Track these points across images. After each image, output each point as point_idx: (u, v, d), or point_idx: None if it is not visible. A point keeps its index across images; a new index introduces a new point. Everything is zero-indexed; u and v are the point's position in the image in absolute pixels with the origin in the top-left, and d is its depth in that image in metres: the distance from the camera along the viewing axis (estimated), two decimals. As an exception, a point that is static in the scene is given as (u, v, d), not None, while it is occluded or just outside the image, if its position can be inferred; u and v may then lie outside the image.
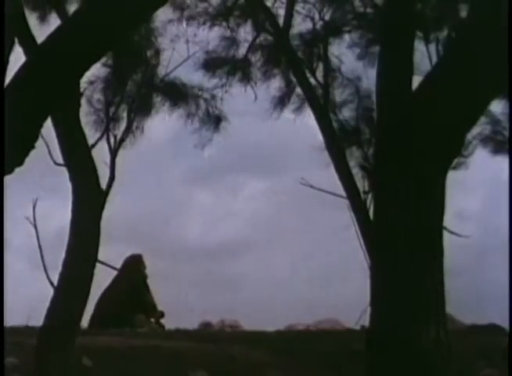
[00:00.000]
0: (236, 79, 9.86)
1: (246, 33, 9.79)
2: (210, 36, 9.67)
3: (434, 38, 8.69)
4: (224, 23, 9.70)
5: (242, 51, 9.87)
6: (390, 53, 5.31)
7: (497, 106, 8.77)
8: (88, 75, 8.14)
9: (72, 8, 7.98)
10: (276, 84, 9.98)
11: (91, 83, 8.82)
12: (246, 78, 9.87)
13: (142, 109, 9.25)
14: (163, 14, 8.88)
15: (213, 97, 9.64)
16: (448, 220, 5.28)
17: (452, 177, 5.14)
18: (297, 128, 10.40)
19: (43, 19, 8.51)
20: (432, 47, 8.61)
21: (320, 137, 9.29)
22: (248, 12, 9.67)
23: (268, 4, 9.68)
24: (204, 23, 9.61)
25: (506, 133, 9.42)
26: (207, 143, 9.77)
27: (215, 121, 9.72)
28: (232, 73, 9.79)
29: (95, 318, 11.64)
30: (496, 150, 9.73)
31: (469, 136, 9.13)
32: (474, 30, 4.96)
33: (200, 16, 9.62)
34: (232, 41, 9.80)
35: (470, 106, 4.94)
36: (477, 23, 4.95)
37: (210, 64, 9.72)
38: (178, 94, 9.42)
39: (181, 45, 9.38)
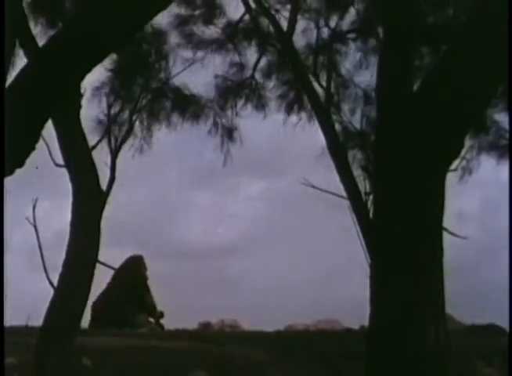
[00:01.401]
0: (248, 101, 10.01)
1: (252, 53, 9.90)
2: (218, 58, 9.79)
3: (435, 41, 8.69)
4: (231, 46, 9.80)
5: (249, 71, 9.98)
6: (390, 55, 5.32)
7: (498, 110, 8.77)
8: (92, 79, 8.20)
9: (73, 11, 7.99)
10: (278, 94, 10.07)
11: (96, 89, 8.88)
12: (257, 101, 10.00)
13: (145, 112, 9.29)
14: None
15: (222, 109, 9.75)
16: (448, 221, 5.28)
17: (452, 178, 5.16)
18: (299, 130, 10.42)
19: (45, 22, 8.52)
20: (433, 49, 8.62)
21: (322, 139, 9.32)
22: (254, 30, 9.75)
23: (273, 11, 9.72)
24: (211, 45, 9.72)
25: (507, 135, 9.41)
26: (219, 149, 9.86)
27: (228, 132, 9.85)
28: (243, 95, 9.92)
29: (95, 318, 11.67)
30: (497, 154, 9.74)
31: (471, 141, 9.16)
32: (473, 32, 4.97)
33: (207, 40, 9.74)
34: (240, 65, 9.90)
35: (469, 108, 4.95)
36: (476, 25, 4.96)
37: (221, 91, 9.84)
38: (186, 102, 9.48)
39: (183, 50, 9.46)
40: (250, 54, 9.90)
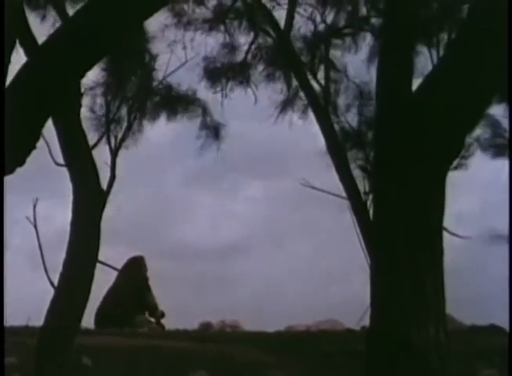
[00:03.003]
0: (237, 82, 9.91)
1: (244, 36, 9.84)
2: (208, 41, 9.73)
3: (435, 40, 8.69)
4: (221, 27, 9.74)
5: (241, 54, 9.92)
6: (390, 54, 5.32)
7: (498, 109, 8.76)
8: (89, 78, 8.20)
9: (73, 9, 7.99)
10: (278, 86, 10.03)
11: (91, 89, 8.88)
12: (246, 81, 9.91)
13: (141, 111, 9.29)
14: (161, 18, 8.96)
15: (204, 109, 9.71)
16: (448, 221, 5.29)
17: (452, 178, 5.15)
18: (298, 130, 10.42)
19: (44, 19, 8.53)
20: (432, 48, 8.62)
21: (321, 139, 9.31)
22: (244, 14, 9.69)
23: (269, 6, 9.69)
24: (202, 28, 9.65)
25: (507, 135, 9.41)
26: (206, 149, 9.85)
27: (214, 130, 9.81)
28: (232, 77, 9.84)
29: (99, 319, 11.71)
30: (496, 153, 9.74)
31: (470, 138, 9.16)
32: (473, 31, 4.97)
33: (197, 20, 9.66)
34: (231, 46, 9.84)
35: (470, 107, 4.95)
36: (476, 24, 4.96)
37: (210, 72, 9.77)
38: (176, 100, 9.46)
39: (179, 49, 9.44)
40: (241, 37, 9.86)
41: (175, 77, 9.40)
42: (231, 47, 9.86)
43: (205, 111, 9.69)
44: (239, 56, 9.91)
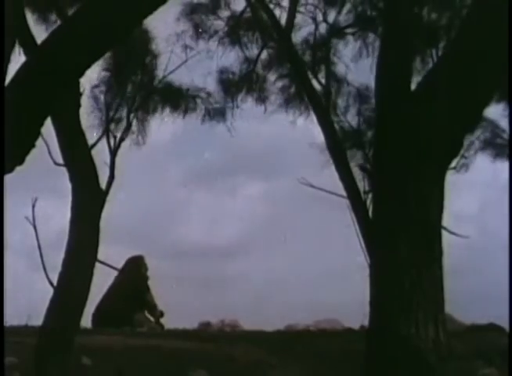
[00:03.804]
0: (246, 92, 10.03)
1: (254, 46, 9.93)
2: (220, 50, 9.82)
3: (434, 39, 8.70)
4: (234, 37, 9.82)
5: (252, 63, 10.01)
6: (390, 54, 5.32)
7: (497, 110, 8.78)
8: (90, 78, 8.23)
9: (71, 8, 8.00)
10: (280, 86, 10.08)
11: (94, 87, 8.91)
12: (256, 93, 10.01)
13: (141, 110, 9.32)
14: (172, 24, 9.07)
15: (209, 95, 9.77)
16: (447, 221, 5.29)
17: (451, 178, 5.16)
18: (298, 129, 10.43)
19: (43, 19, 8.54)
20: (432, 47, 8.64)
21: (319, 139, 9.33)
22: (255, 25, 9.76)
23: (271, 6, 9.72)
24: (212, 37, 9.74)
25: (505, 136, 9.43)
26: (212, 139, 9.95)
27: (219, 114, 9.86)
28: (243, 87, 9.95)
29: (97, 318, 11.72)
30: (496, 154, 9.76)
31: (470, 138, 9.18)
32: (473, 31, 4.97)
33: (213, 31, 9.77)
34: (243, 57, 9.94)
35: (469, 107, 4.95)
36: (476, 24, 4.96)
37: (224, 83, 9.87)
38: (176, 95, 9.50)
39: (177, 48, 9.50)
40: (253, 47, 9.94)
41: (175, 75, 9.47)
42: (244, 58, 9.97)
43: (209, 102, 9.73)
44: (251, 65, 10.01)
